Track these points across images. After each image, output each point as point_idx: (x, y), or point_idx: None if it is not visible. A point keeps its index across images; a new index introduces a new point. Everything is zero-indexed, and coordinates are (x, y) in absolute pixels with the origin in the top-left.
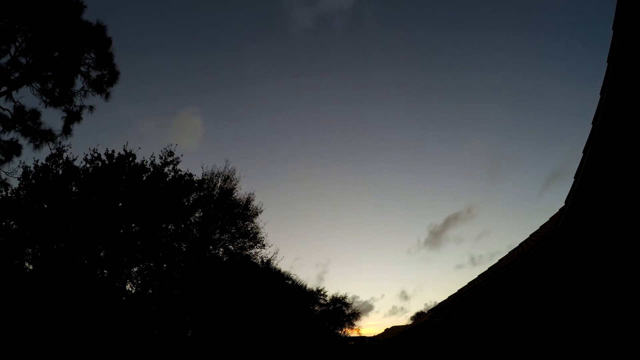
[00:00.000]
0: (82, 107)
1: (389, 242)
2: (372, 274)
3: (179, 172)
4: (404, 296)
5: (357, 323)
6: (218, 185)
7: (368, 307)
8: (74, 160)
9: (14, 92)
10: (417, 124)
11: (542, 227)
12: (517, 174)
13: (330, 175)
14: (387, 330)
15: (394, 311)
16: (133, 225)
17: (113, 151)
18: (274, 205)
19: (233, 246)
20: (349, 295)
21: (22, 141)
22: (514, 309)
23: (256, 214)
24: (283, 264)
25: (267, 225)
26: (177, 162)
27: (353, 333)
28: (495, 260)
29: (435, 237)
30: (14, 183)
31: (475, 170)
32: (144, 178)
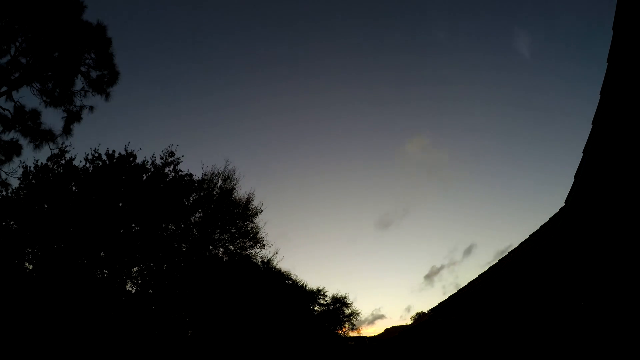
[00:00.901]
0: (82, 107)
1: (399, 274)
2: (387, 297)
3: (180, 172)
4: (408, 309)
5: (362, 324)
6: (218, 185)
7: (382, 317)
8: (73, 159)
9: (14, 92)
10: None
11: (542, 227)
12: (482, 249)
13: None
14: (387, 330)
15: (403, 319)
16: (133, 225)
17: (114, 151)
18: (311, 243)
19: (233, 246)
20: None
21: (22, 141)
22: (513, 308)
23: (256, 214)
24: (284, 264)
25: (305, 256)
26: (178, 163)
27: (353, 333)
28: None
29: (432, 273)
30: (14, 183)
31: (459, 245)
32: (144, 178)
